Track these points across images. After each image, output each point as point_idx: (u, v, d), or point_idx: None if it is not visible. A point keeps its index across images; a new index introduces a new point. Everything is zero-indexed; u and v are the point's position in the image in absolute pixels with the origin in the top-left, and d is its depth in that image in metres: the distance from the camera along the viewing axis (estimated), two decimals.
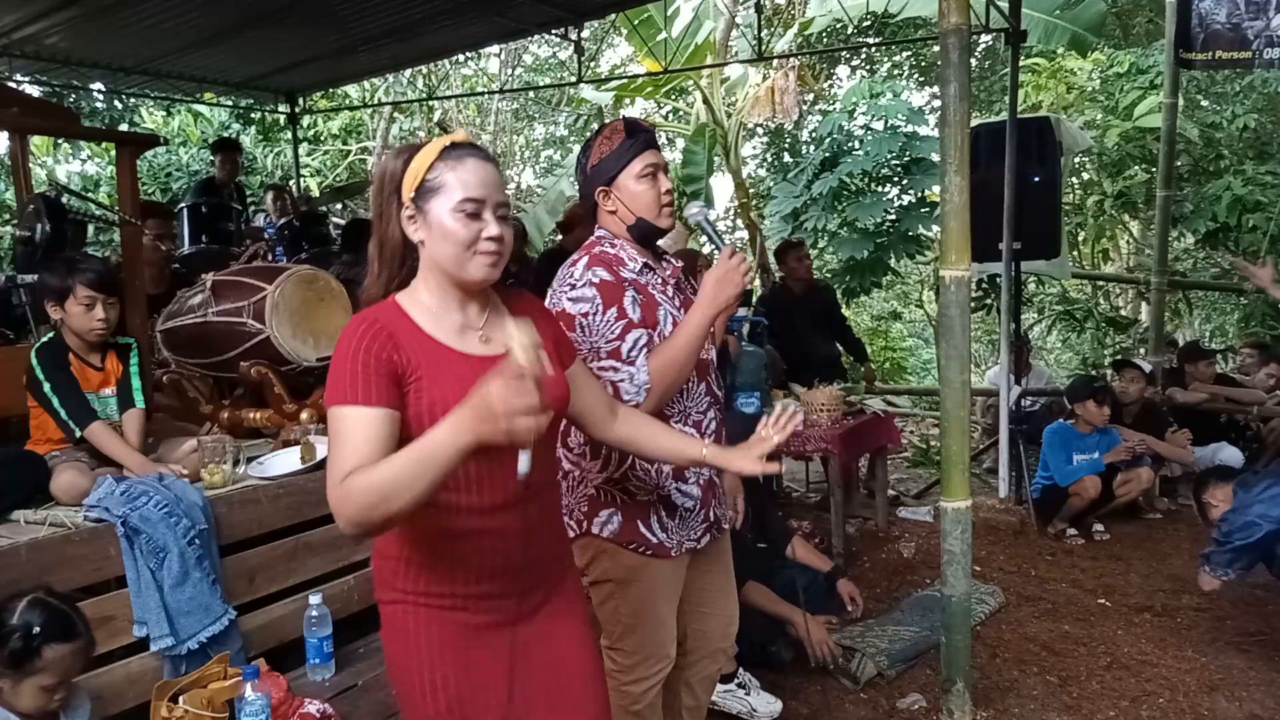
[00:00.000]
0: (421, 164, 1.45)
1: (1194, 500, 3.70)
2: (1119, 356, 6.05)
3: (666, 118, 11.97)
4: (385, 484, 1.24)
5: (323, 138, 12.41)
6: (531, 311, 1.58)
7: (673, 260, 2.19)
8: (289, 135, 9.54)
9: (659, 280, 2.09)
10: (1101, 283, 10.99)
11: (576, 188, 2.15)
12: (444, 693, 1.46)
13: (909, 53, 12.80)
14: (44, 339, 2.80)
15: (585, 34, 8.14)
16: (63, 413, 2.68)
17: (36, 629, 1.84)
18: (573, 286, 1.97)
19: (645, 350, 1.95)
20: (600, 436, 1.75)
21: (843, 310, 6.63)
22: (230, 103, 9.75)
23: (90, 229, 5.02)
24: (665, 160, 2.10)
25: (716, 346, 2.31)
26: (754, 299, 5.91)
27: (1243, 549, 3.23)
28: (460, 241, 1.42)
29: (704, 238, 2.71)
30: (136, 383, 2.89)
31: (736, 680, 3.08)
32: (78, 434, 2.68)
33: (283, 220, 6.23)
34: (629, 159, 2.02)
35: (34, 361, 2.71)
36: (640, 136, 2.03)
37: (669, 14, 8.99)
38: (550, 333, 1.60)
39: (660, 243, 2.19)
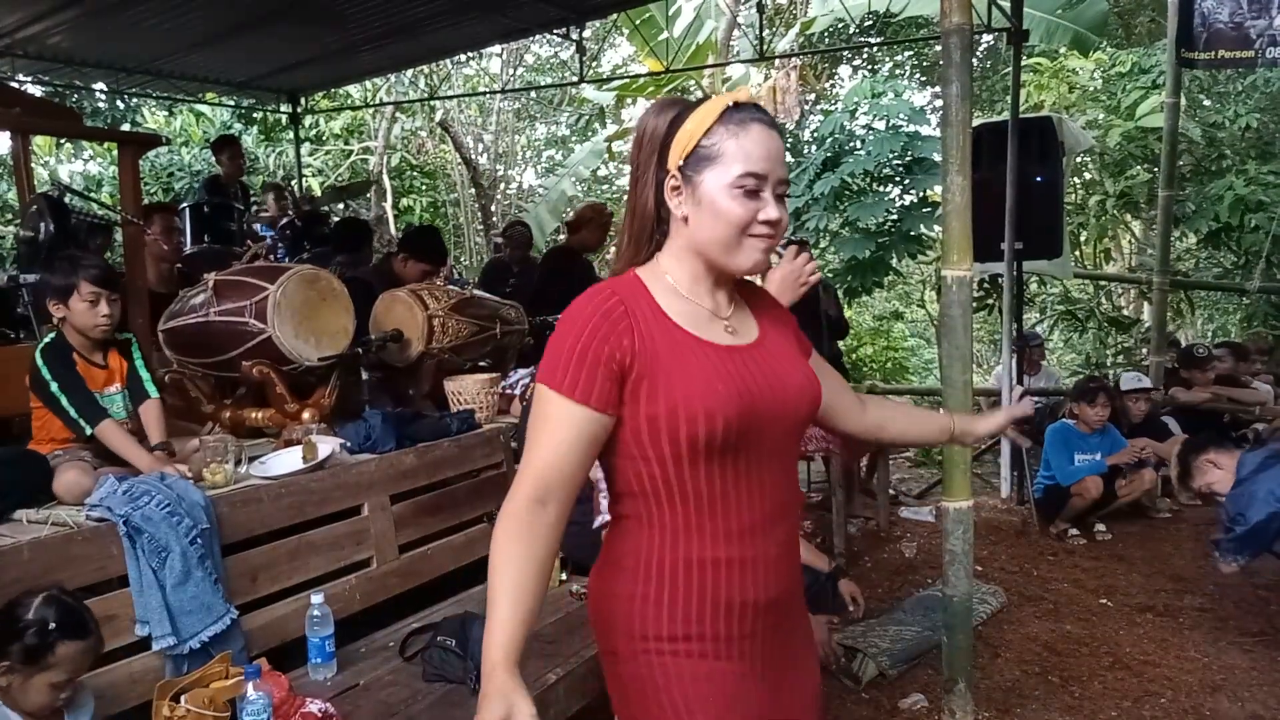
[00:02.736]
0: (698, 126, 1.26)
1: (1180, 462, 3.55)
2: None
3: None
4: (491, 569, 1.21)
5: (325, 138, 12.42)
6: (769, 304, 1.46)
7: None
8: (291, 135, 9.56)
9: None
10: (1103, 282, 10.98)
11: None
12: None
13: (911, 52, 12.81)
14: (46, 339, 2.78)
15: (587, 34, 8.15)
16: (71, 411, 2.67)
17: (52, 624, 1.84)
18: None
19: None
20: (852, 427, 1.59)
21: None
22: (232, 103, 9.77)
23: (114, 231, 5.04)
24: None
25: None
26: None
27: (1247, 537, 3.20)
28: (734, 223, 1.25)
29: None
30: (144, 374, 2.90)
31: None
32: (88, 431, 2.67)
33: (283, 220, 6.22)
34: None
35: (39, 362, 2.70)
36: None
37: (671, 14, 9.00)
38: (790, 326, 1.46)
39: None
